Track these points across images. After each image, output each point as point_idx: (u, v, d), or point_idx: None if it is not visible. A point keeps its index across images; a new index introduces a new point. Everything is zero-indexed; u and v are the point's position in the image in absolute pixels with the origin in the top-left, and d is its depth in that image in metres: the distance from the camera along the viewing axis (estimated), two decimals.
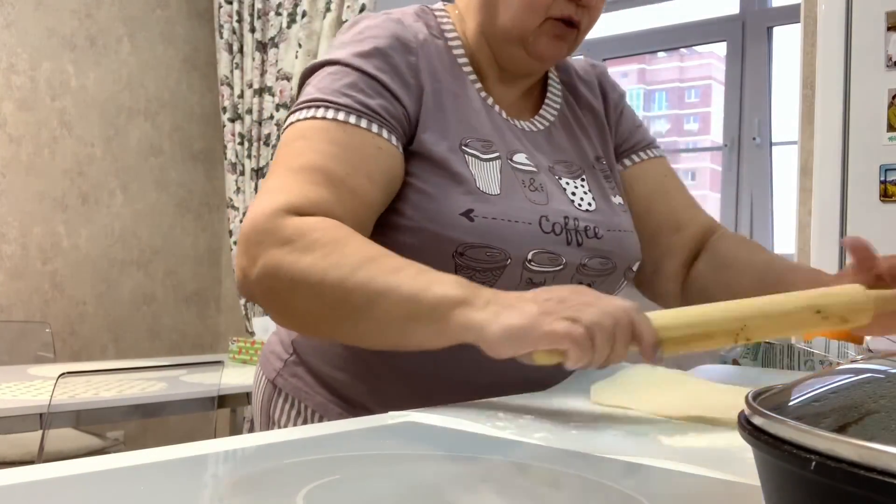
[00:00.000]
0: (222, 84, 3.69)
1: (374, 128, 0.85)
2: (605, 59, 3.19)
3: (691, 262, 1.08)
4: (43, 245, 3.44)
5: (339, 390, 0.93)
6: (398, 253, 0.77)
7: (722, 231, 1.09)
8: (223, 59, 3.69)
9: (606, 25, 3.24)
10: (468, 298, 0.70)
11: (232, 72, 3.69)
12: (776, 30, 2.86)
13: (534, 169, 0.94)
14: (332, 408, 0.93)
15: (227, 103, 3.67)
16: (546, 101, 1.03)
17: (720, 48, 2.98)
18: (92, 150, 3.58)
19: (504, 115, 0.96)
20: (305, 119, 0.85)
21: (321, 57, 0.93)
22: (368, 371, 0.92)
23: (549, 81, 1.05)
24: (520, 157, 0.93)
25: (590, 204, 0.96)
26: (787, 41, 2.90)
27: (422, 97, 0.89)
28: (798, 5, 2.17)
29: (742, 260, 1.01)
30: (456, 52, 0.96)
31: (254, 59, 3.62)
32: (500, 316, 0.68)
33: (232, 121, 3.67)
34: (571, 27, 0.92)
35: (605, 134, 1.07)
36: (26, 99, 3.38)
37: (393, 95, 0.87)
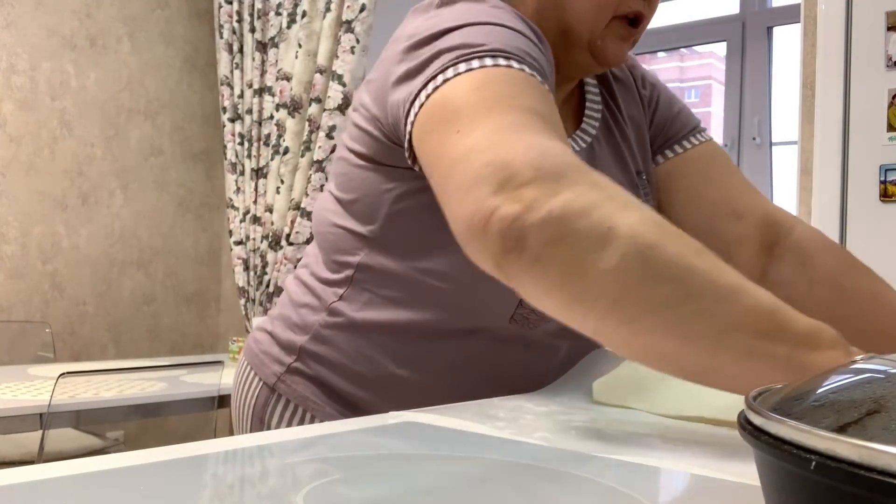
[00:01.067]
0: (222, 84, 3.69)
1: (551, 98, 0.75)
2: None
3: (764, 253, 0.97)
4: (43, 245, 3.44)
5: (358, 405, 0.87)
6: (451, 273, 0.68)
7: (803, 228, 0.97)
8: (223, 59, 3.69)
9: None
10: (842, 341, 0.55)
11: (232, 72, 3.69)
12: (776, 30, 2.86)
13: None
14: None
15: (227, 103, 3.68)
16: (587, 111, 0.95)
17: (720, 48, 2.98)
18: (92, 150, 3.58)
19: None
20: (502, 66, 0.70)
21: (440, 24, 0.77)
22: (393, 385, 0.85)
23: (587, 87, 0.98)
24: None
25: None
26: (787, 41, 2.90)
27: None
28: (798, 5, 2.18)
29: (845, 284, 0.89)
30: None
31: (254, 59, 3.62)
32: None
33: (232, 121, 3.67)
34: (634, 27, 0.87)
35: (644, 138, 1.00)
36: (26, 99, 3.39)
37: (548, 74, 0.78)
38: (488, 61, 0.71)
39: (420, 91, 0.73)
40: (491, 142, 0.63)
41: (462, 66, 0.71)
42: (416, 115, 0.72)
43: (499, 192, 0.60)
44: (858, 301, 0.87)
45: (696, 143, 1.01)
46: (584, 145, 0.92)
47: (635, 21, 0.87)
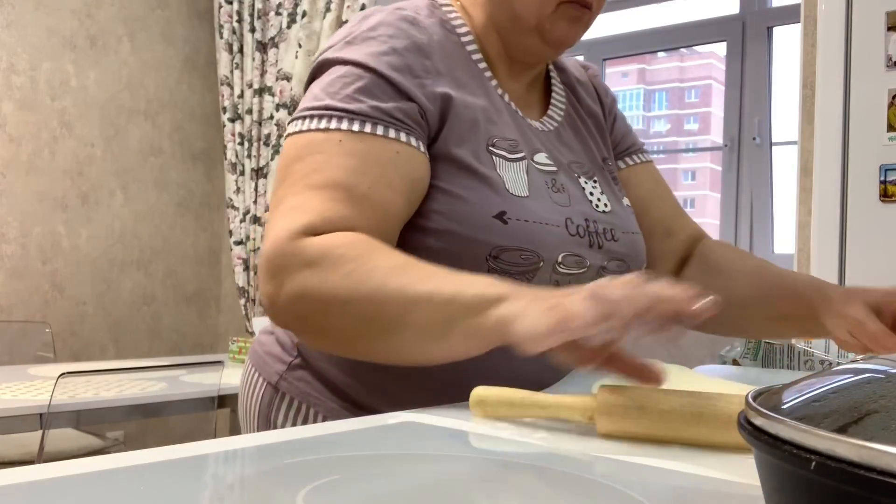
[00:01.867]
0: (222, 84, 3.69)
1: (392, 132, 0.82)
2: (605, 59, 3.19)
3: (680, 267, 1.10)
4: (43, 245, 3.44)
5: (355, 397, 0.90)
6: (426, 257, 0.74)
7: (708, 238, 1.12)
8: (223, 59, 3.69)
9: (606, 25, 3.25)
10: (504, 295, 0.66)
11: (232, 72, 3.69)
12: (776, 30, 2.86)
13: (554, 169, 0.93)
14: (345, 414, 0.89)
15: (227, 103, 3.68)
16: (552, 100, 1.02)
17: (720, 48, 2.98)
18: (92, 150, 3.58)
19: (520, 113, 0.95)
20: (318, 130, 0.82)
21: (328, 47, 0.90)
22: (386, 378, 0.88)
23: (552, 81, 1.04)
24: (540, 157, 0.93)
25: (606, 205, 0.96)
26: (787, 41, 2.90)
27: (441, 99, 0.86)
28: (798, 5, 2.17)
29: (733, 266, 1.04)
30: (469, 47, 0.93)
31: (254, 59, 3.62)
32: (528, 311, 0.63)
33: (232, 121, 3.67)
34: (585, 8, 0.91)
35: (605, 134, 1.08)
36: (26, 99, 3.39)
37: (408, 96, 0.84)
38: (315, 123, 0.82)
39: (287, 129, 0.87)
40: (277, 221, 0.78)
41: (300, 124, 0.84)
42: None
43: (265, 277, 0.77)
44: (745, 280, 1.02)
45: (645, 160, 1.12)
46: (551, 128, 0.99)
47: (584, 3, 0.91)
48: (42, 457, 2.20)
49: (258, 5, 3.61)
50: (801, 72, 2.12)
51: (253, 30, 3.63)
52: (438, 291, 0.69)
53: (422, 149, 0.84)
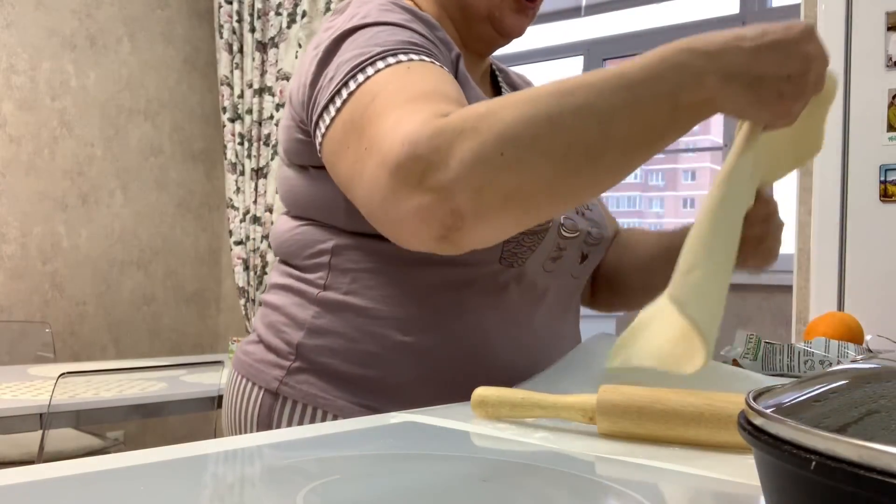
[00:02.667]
0: (222, 84, 3.69)
1: (447, 71, 0.80)
2: (605, 60, 3.19)
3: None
4: (43, 245, 3.44)
5: (371, 387, 0.86)
6: None
7: (624, 229, 1.19)
8: (223, 59, 3.69)
9: (606, 25, 3.24)
10: (704, 67, 0.65)
11: (232, 72, 3.69)
12: None
13: None
14: (356, 411, 0.85)
15: (227, 103, 3.68)
16: (503, 93, 1.04)
17: None
18: (92, 150, 3.58)
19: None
20: (383, 69, 0.76)
21: (338, 25, 0.85)
22: (407, 360, 0.85)
23: (498, 78, 1.07)
24: None
25: None
26: None
27: (452, 63, 0.88)
28: (798, 5, 2.17)
29: (637, 238, 1.11)
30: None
31: (254, 59, 3.62)
32: (736, 90, 0.66)
33: (232, 121, 3.67)
34: (530, 0, 0.95)
35: None
36: (26, 99, 3.39)
37: (437, 50, 0.85)
38: (380, 64, 0.76)
39: (328, 104, 0.79)
40: (383, 153, 0.67)
41: (360, 76, 0.76)
42: (326, 128, 0.78)
43: (410, 194, 0.65)
44: (646, 246, 1.08)
45: None
46: None
47: None
48: (42, 457, 2.20)
49: (258, 5, 3.61)
50: None
51: (253, 30, 3.63)
52: (637, 79, 0.64)
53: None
